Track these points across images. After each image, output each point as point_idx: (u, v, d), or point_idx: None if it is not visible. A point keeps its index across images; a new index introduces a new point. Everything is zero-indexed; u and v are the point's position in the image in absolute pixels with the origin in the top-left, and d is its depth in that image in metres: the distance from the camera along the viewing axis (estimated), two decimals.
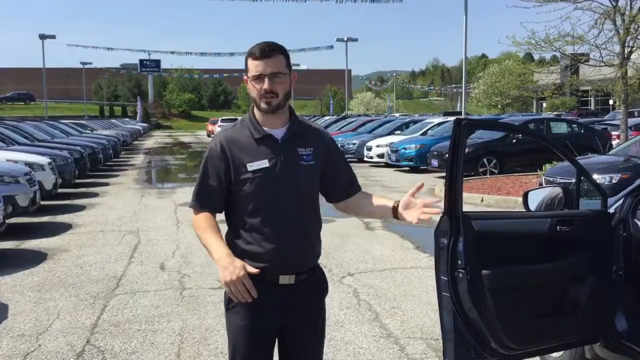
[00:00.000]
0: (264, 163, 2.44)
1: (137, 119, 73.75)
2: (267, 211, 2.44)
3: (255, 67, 2.41)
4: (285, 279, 2.47)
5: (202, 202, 2.54)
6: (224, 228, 2.57)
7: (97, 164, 19.12)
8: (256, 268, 2.41)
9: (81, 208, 12.07)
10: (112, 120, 52.97)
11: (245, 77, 2.49)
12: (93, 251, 8.18)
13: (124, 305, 5.86)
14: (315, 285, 2.59)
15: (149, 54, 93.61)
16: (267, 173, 2.43)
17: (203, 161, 2.55)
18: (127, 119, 66.57)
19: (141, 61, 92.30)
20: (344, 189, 2.65)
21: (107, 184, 16.41)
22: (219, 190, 2.49)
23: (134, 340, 4.94)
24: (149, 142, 44.96)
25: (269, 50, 2.41)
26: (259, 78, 2.41)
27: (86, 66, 76.92)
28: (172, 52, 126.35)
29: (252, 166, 2.43)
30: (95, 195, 14.16)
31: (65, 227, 9.94)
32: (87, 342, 4.92)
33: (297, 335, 2.56)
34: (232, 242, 2.51)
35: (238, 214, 2.49)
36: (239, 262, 2.34)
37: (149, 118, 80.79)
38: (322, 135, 2.62)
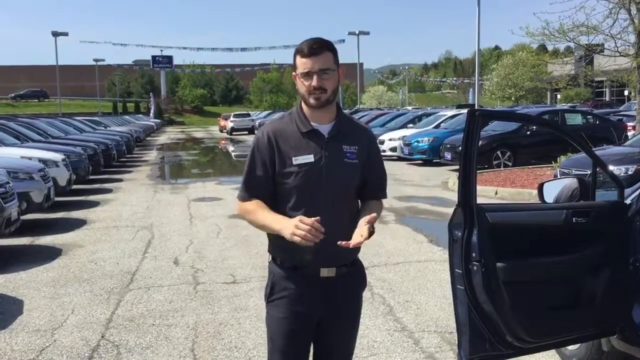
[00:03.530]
0: (309, 158, 2.46)
1: (150, 115, 74.07)
2: (309, 205, 2.46)
3: (303, 64, 2.43)
4: (325, 272, 2.51)
5: (251, 191, 2.53)
6: None
7: (110, 160, 19.21)
8: (297, 261, 2.48)
9: (95, 204, 12.13)
10: (125, 117, 53.24)
11: (293, 74, 2.52)
12: (107, 247, 8.22)
13: (139, 300, 5.87)
14: (354, 278, 2.63)
15: (162, 50, 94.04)
16: (311, 168, 2.46)
17: (250, 152, 2.56)
18: (140, 115, 66.94)
19: (153, 57, 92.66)
20: (370, 191, 2.62)
21: (120, 180, 16.49)
22: (265, 179, 2.50)
23: (148, 335, 4.95)
24: (162, 138, 45.14)
25: (317, 48, 2.43)
26: (307, 75, 2.43)
27: (99, 63, 77.13)
28: (184, 48, 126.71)
29: (297, 160, 2.46)
30: (109, 191, 14.23)
31: (79, 223, 10.00)
32: (102, 337, 4.94)
33: (334, 327, 2.59)
34: (274, 235, 2.52)
35: (280, 207, 2.50)
36: (294, 219, 2.31)
37: (162, 114, 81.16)
38: (367, 135, 2.65)
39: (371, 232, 2.34)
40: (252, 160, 2.53)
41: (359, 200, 2.63)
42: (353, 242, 2.31)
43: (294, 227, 2.27)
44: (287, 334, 2.53)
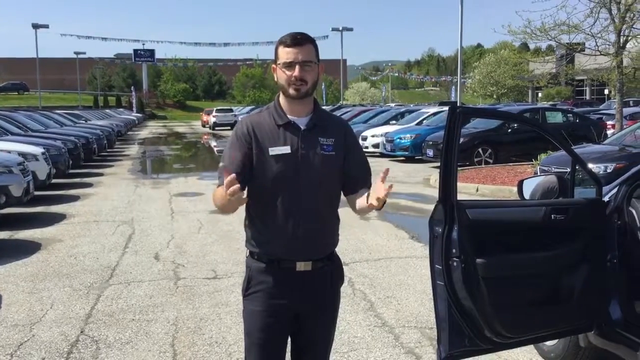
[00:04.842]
0: (286, 149, 2.47)
1: (132, 109, 73.48)
2: (285, 197, 2.47)
3: (286, 54, 2.45)
4: (302, 266, 2.52)
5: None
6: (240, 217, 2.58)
7: (91, 154, 19.03)
8: (273, 254, 2.50)
9: (75, 198, 12.02)
10: (107, 111, 52.75)
11: (274, 65, 2.52)
12: (87, 241, 8.15)
13: (118, 295, 5.84)
14: (331, 272, 2.63)
15: (143, 44, 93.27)
16: (287, 159, 2.47)
17: (229, 141, 2.58)
18: (121, 109, 66.32)
19: (135, 51, 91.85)
20: (353, 183, 2.61)
21: (101, 174, 16.36)
22: (242, 168, 2.49)
23: (128, 330, 4.92)
24: (144, 133, 44.82)
25: (301, 39, 2.46)
26: (290, 65, 2.45)
27: (80, 56, 76.42)
28: (166, 42, 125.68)
29: (274, 151, 2.47)
30: (89, 185, 14.10)
31: (59, 218, 9.91)
32: (81, 332, 4.91)
33: (312, 321, 2.61)
34: (250, 228, 2.57)
35: (257, 200, 2.51)
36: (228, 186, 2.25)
37: (144, 108, 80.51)
38: (344, 127, 2.65)
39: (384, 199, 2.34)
40: (230, 149, 2.54)
41: (352, 195, 2.59)
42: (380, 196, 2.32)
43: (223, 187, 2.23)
44: (264, 327, 2.54)
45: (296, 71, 2.44)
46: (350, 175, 2.60)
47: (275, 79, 2.55)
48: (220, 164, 2.55)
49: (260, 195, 2.50)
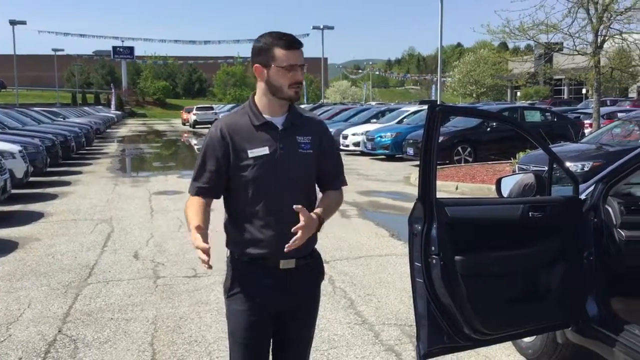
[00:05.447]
0: (264, 150, 2.48)
1: (111, 106, 72.81)
2: (266, 197, 2.48)
3: (288, 57, 2.46)
4: (285, 263, 2.53)
5: (199, 187, 2.55)
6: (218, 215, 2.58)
7: (69, 152, 18.83)
8: (257, 253, 2.51)
9: (53, 197, 11.89)
10: (85, 108, 52.26)
11: (272, 65, 2.47)
12: (65, 240, 8.07)
13: (97, 294, 5.79)
14: (313, 269, 2.66)
15: (123, 41, 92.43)
16: (267, 160, 2.48)
17: (203, 147, 2.56)
18: (100, 107, 65.78)
19: (114, 48, 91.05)
20: (327, 180, 2.66)
21: (79, 173, 16.19)
22: (217, 175, 2.51)
23: (106, 330, 4.88)
24: (123, 131, 44.46)
25: (298, 42, 2.50)
26: (293, 68, 2.47)
27: (58, 53, 75.57)
28: (146, 40, 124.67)
29: (253, 152, 2.47)
30: (67, 183, 13.96)
31: (36, 216, 9.79)
32: (59, 331, 4.86)
33: (294, 318, 2.62)
34: (231, 229, 2.57)
35: (237, 201, 2.53)
36: (196, 236, 2.34)
37: (123, 106, 79.85)
38: (319, 125, 2.68)
39: (318, 224, 2.45)
40: (204, 156, 2.54)
41: (320, 191, 2.66)
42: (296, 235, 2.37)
43: (195, 246, 2.33)
44: (249, 327, 2.54)
45: (299, 74, 2.49)
46: (327, 173, 2.64)
47: (263, 79, 2.51)
48: (193, 176, 2.57)
49: (241, 196, 2.51)
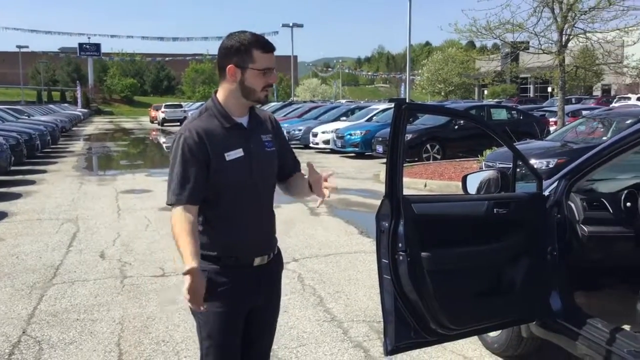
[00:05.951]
0: (239, 152, 2.45)
1: (77, 104, 71.71)
2: (245, 198, 2.47)
3: (265, 60, 2.43)
4: (258, 260, 2.56)
5: (188, 194, 2.37)
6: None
7: (34, 150, 18.46)
8: (234, 254, 2.49)
9: (17, 196, 11.66)
10: (50, 106, 51.32)
11: (248, 67, 2.40)
12: (29, 240, 7.93)
13: (62, 294, 5.70)
14: (278, 261, 2.71)
15: (89, 38, 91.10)
16: (242, 162, 2.46)
17: (179, 152, 2.39)
18: (66, 105, 64.65)
19: (80, 45, 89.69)
20: (288, 168, 2.71)
21: (44, 172, 15.91)
22: (202, 180, 2.40)
23: (72, 330, 4.81)
24: (89, 129, 43.79)
25: (273, 45, 2.46)
26: (269, 71, 2.45)
27: (22, 50, 74.20)
28: (113, 36, 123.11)
29: (230, 155, 2.43)
30: (32, 182, 13.70)
31: (0, 216, 9.59)
32: (23, 332, 4.77)
33: (263, 312, 2.65)
34: (207, 231, 2.48)
35: (213, 204, 2.46)
36: (201, 285, 2.31)
37: (89, 103, 78.70)
38: (271, 119, 2.69)
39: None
40: (185, 162, 2.38)
41: (286, 180, 2.71)
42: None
43: (194, 293, 2.28)
44: (226, 328, 2.51)
45: (273, 77, 2.47)
46: (284, 163, 2.68)
47: (235, 80, 2.43)
48: (175, 184, 2.38)
49: (219, 199, 2.45)
